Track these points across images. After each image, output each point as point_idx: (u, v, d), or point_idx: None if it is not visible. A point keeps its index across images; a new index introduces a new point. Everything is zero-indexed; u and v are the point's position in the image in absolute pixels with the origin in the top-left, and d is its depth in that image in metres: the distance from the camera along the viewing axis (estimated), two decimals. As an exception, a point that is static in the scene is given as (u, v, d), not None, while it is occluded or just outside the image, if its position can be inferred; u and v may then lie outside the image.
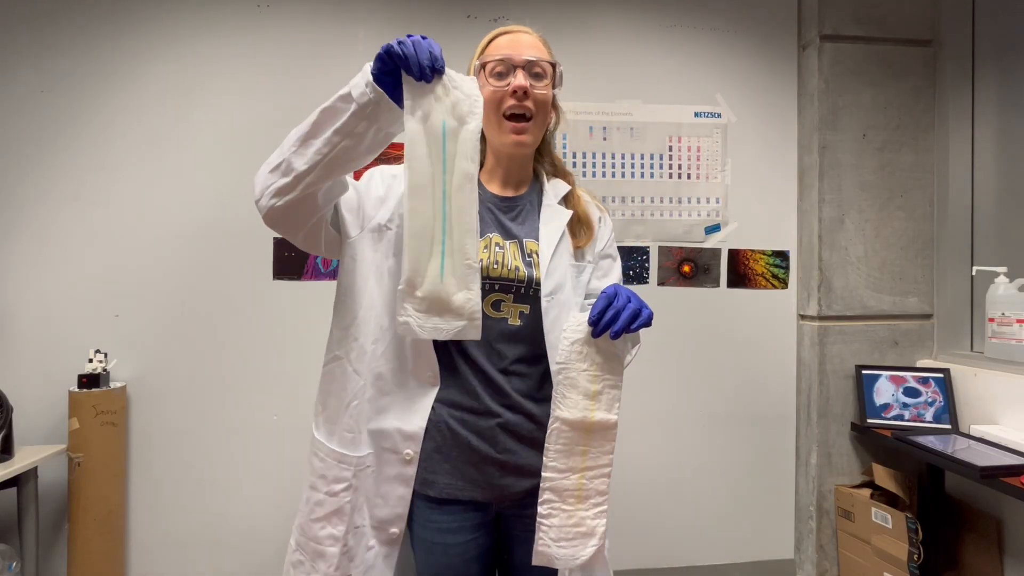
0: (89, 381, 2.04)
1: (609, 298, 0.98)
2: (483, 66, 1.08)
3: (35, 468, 1.97)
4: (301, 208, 1.00)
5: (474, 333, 0.96)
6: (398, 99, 0.93)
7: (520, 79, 1.06)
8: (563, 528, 0.99)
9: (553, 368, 1.04)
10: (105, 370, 2.10)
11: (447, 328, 0.94)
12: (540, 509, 1.00)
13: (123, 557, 2.13)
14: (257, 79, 2.23)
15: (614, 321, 0.96)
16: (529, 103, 1.07)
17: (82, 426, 2.01)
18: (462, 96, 0.94)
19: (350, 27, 2.27)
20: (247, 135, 2.22)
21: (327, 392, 1.12)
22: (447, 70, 0.93)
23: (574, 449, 0.99)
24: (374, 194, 1.12)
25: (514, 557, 1.15)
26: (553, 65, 1.10)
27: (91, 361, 2.08)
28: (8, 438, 1.92)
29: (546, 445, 1.00)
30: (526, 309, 1.08)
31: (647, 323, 0.98)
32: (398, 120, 0.94)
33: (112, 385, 2.11)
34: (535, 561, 1.00)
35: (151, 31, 2.19)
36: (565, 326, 1.03)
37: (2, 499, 2.01)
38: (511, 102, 1.07)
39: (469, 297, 0.94)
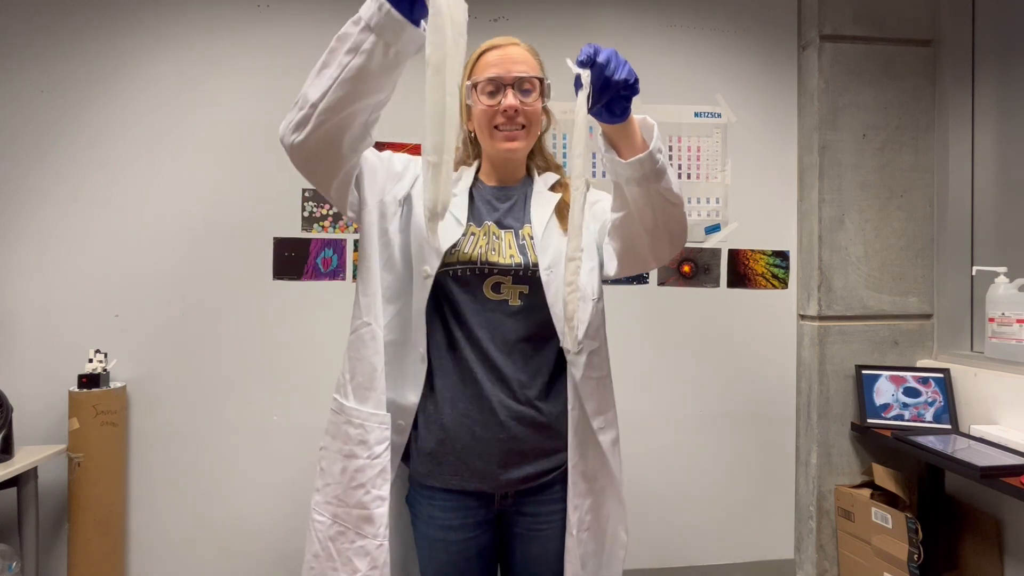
0: (89, 381, 2.04)
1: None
2: (474, 85, 1.12)
3: (35, 468, 1.96)
4: (323, 149, 0.99)
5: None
6: (409, 16, 0.89)
7: (510, 99, 1.10)
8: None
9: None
10: (105, 370, 2.10)
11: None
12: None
13: (123, 557, 2.13)
14: (257, 79, 2.23)
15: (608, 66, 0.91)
16: (519, 119, 1.12)
17: (82, 426, 2.01)
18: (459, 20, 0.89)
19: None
20: (247, 135, 2.22)
21: (358, 358, 1.11)
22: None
23: None
24: (392, 168, 1.15)
25: (515, 555, 1.16)
26: (541, 80, 1.13)
27: (91, 361, 2.08)
28: (8, 438, 1.92)
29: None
30: (525, 290, 1.11)
31: (631, 79, 0.94)
32: (404, 35, 0.91)
33: (112, 385, 2.11)
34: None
35: (151, 31, 2.19)
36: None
37: (2, 499, 2.01)
38: (502, 120, 1.11)
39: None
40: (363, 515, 1.07)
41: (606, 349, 1.21)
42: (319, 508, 1.12)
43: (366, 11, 0.91)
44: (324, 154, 1.00)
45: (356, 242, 2.24)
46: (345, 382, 1.13)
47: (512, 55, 1.12)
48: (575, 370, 1.11)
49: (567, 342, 1.01)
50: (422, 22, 0.91)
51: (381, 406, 1.08)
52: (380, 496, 1.07)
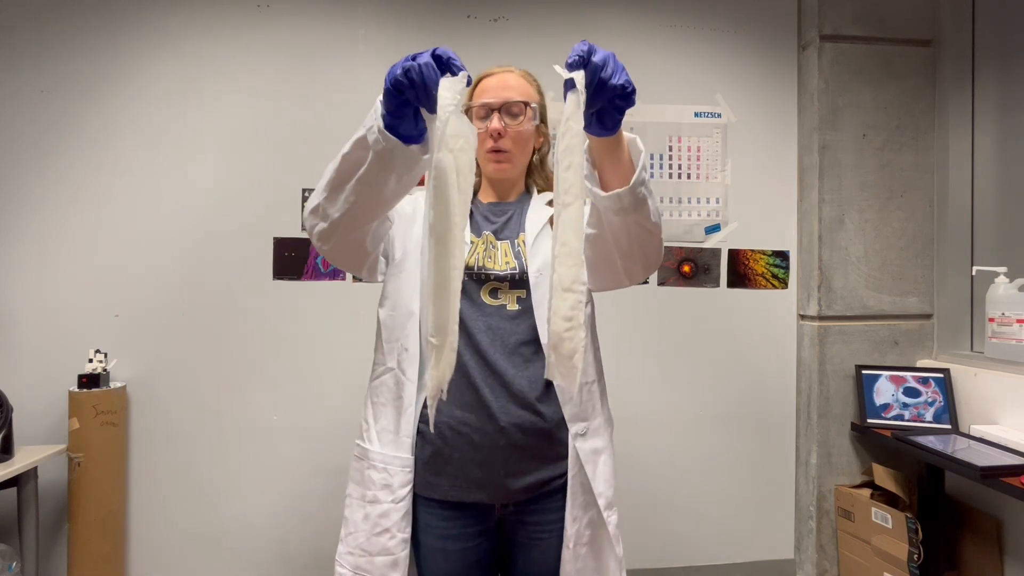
0: (89, 381, 2.04)
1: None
2: (468, 111, 1.16)
3: (35, 468, 1.96)
4: (351, 253, 1.08)
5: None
6: (413, 132, 0.87)
7: (495, 122, 1.15)
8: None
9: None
10: (105, 370, 2.10)
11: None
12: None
13: (123, 557, 2.13)
14: (257, 79, 2.23)
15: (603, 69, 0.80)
16: (505, 142, 1.16)
17: (82, 426, 2.01)
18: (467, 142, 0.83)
19: (350, 27, 2.27)
20: (247, 135, 2.22)
21: (382, 403, 1.14)
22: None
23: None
24: (403, 214, 1.19)
25: (516, 564, 1.16)
26: (526, 104, 1.16)
27: (91, 361, 2.08)
28: (8, 438, 1.91)
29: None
30: (522, 294, 1.13)
31: (628, 87, 0.82)
32: (417, 163, 0.92)
33: (112, 385, 2.11)
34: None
35: (151, 31, 2.19)
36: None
37: (2, 499, 2.01)
38: (490, 142, 1.16)
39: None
40: (388, 561, 1.07)
41: (595, 353, 1.19)
42: (341, 559, 1.13)
43: (372, 139, 0.87)
44: (353, 253, 1.08)
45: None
46: (369, 427, 1.15)
47: (507, 82, 1.18)
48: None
49: (559, 377, 0.84)
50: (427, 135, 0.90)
51: (405, 449, 1.09)
52: (405, 539, 1.08)
